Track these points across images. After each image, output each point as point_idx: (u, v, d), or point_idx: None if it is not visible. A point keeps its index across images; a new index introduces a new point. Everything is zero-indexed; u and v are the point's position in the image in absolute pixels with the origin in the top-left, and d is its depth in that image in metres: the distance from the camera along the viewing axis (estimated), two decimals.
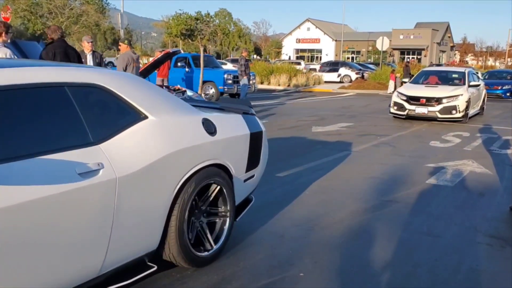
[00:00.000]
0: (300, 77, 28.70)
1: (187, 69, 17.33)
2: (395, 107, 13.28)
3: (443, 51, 72.29)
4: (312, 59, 71.79)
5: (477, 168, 7.27)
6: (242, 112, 4.23)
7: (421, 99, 12.86)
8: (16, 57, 6.24)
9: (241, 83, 15.60)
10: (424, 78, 14.83)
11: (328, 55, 71.84)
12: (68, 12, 39.42)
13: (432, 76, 14.81)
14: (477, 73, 18.74)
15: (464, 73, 14.07)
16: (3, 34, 5.89)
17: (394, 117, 13.56)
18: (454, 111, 12.50)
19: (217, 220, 3.82)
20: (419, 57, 63.82)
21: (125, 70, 8.38)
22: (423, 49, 64.89)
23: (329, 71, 35.72)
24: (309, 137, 10.06)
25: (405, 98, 13.11)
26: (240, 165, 3.95)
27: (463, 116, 12.59)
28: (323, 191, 5.85)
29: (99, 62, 9.21)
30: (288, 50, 75.91)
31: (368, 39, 67.50)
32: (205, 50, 17.93)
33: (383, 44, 28.49)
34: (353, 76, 33.53)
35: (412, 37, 65.26)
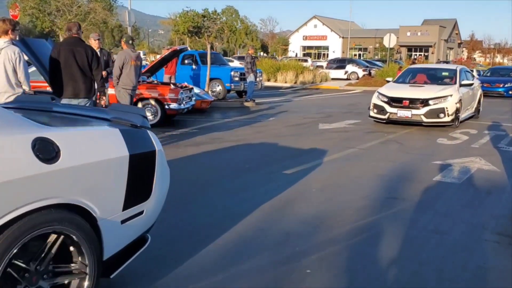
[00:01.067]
0: (307, 74, 28.62)
1: (194, 67, 17.34)
2: (375, 110, 11.34)
3: (451, 48, 71.85)
4: (319, 56, 71.60)
5: (485, 166, 7.24)
6: (129, 124, 3.15)
7: (404, 101, 10.86)
8: (25, 55, 6.27)
9: (248, 80, 15.60)
10: (411, 76, 13.08)
11: (335, 52, 71.59)
12: (76, 10, 39.55)
13: (419, 74, 13.05)
14: (472, 71, 17.82)
15: (455, 70, 12.27)
16: (10, 32, 5.82)
17: (375, 121, 11.71)
18: (442, 114, 10.63)
19: (71, 281, 2.69)
20: (426, 54, 63.48)
21: (121, 68, 8.28)
22: (431, 46, 64.53)
23: (336, 68, 35.60)
24: (316, 135, 10.05)
25: (386, 99, 11.18)
26: (111, 201, 2.81)
27: (452, 120, 10.79)
28: (329, 189, 5.85)
29: (107, 60, 9.24)
30: (295, 47, 75.74)
31: (375, 36, 67.19)
32: (212, 48, 17.93)
33: (390, 41, 28.36)
34: (360, 73, 33.41)
35: (419, 34, 64.92)
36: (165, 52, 12.44)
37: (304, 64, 33.88)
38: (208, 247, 3.95)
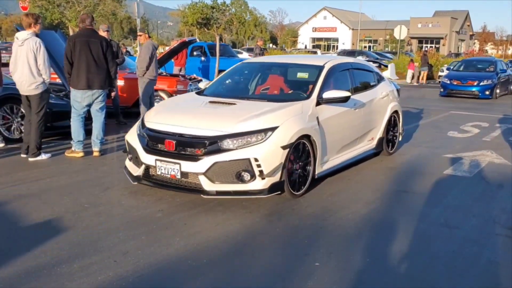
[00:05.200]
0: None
1: (203, 58, 17.31)
2: (129, 156, 5.40)
3: (462, 40, 71.10)
4: (328, 48, 71.22)
5: (496, 159, 7.15)
6: None
7: (166, 140, 4.86)
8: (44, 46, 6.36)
9: None
10: (258, 78, 6.62)
11: (345, 44, 71.13)
12: (85, 1, 39.61)
13: (272, 76, 6.55)
14: (380, 66, 13.09)
15: (320, 69, 5.93)
16: (33, 25, 6.36)
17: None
18: (246, 175, 4.64)
19: None
20: (437, 46, 62.87)
21: (150, 59, 8.46)
22: (442, 38, 63.90)
23: None
24: None
25: (145, 134, 5.11)
26: None
27: (276, 187, 4.75)
28: (339, 181, 5.81)
29: (116, 51, 9.24)
30: (304, 39, 75.35)
31: (385, 28, 66.69)
32: (221, 39, 17.88)
33: (400, 33, 28.11)
34: None
35: (430, 25, 64.28)
36: (174, 44, 12.41)
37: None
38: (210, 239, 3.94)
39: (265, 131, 4.70)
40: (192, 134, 4.75)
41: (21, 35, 6.36)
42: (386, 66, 8.67)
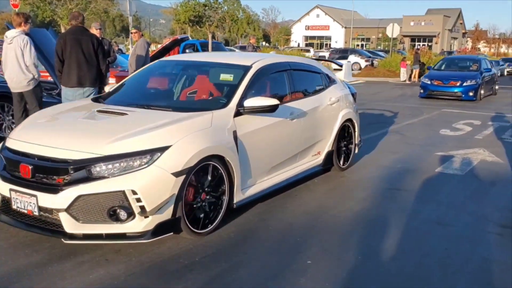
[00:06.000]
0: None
1: None
2: None
3: (455, 38, 71.43)
4: (321, 46, 71.28)
5: (488, 157, 7.18)
6: None
7: (21, 164, 3.64)
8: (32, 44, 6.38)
9: None
10: (184, 79, 5.43)
11: (338, 42, 71.27)
12: None
13: (200, 77, 5.36)
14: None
15: (246, 69, 4.77)
16: (22, 24, 6.46)
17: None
18: (121, 213, 3.49)
19: None
20: (430, 44, 63.09)
21: (146, 57, 8.55)
22: (434, 36, 64.15)
23: (339, 58, 35.23)
24: None
25: (2, 161, 3.92)
26: None
27: (160, 228, 3.61)
28: (332, 179, 5.81)
29: (108, 49, 9.19)
30: (297, 37, 75.40)
31: (378, 26, 66.84)
32: (213, 37, 17.87)
33: (393, 31, 28.17)
34: (363, 63, 33.22)
35: (423, 23, 64.52)
36: (166, 42, 12.38)
37: (307, 54, 33.83)
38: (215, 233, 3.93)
39: (151, 152, 3.54)
40: (54, 156, 3.54)
41: (10, 33, 6.44)
42: (341, 66, 7.27)
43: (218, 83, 5.00)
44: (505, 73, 33.04)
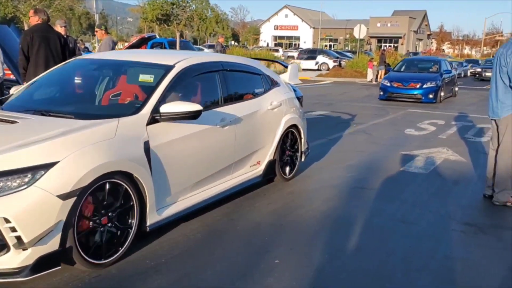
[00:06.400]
0: (279, 64, 28.59)
1: None
2: None
3: (420, 40, 72.99)
4: (290, 46, 71.72)
5: (452, 156, 7.35)
6: None
7: None
8: None
9: None
10: (107, 80, 4.72)
11: (306, 42, 71.85)
12: None
13: (124, 77, 4.74)
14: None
15: (167, 69, 4.19)
16: None
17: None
18: None
19: None
20: (396, 45, 64.29)
21: None
22: (400, 37, 65.39)
23: (307, 58, 35.72)
24: None
25: None
26: None
27: (43, 262, 2.99)
28: (299, 179, 5.84)
29: (73, 47, 8.99)
30: (266, 36, 75.64)
31: (345, 27, 67.73)
32: (181, 36, 17.73)
33: (360, 32, 28.58)
34: (331, 64, 33.61)
35: (389, 25, 65.67)
36: (133, 40, 12.21)
37: (276, 54, 33.93)
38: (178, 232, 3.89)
39: (32, 170, 2.91)
40: None
41: None
42: (286, 67, 6.73)
43: (141, 85, 4.31)
44: (468, 74, 33.95)
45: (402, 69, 17.10)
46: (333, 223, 4.42)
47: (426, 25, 75.26)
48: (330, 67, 32.78)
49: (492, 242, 4.11)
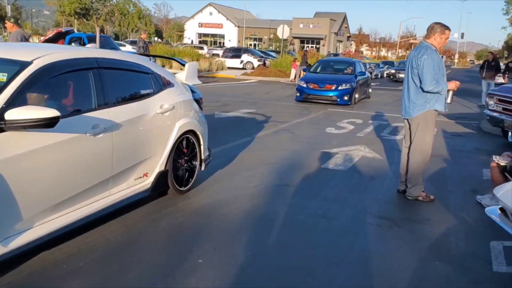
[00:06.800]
0: (203, 62, 28.52)
1: None
2: None
3: (341, 41, 75.63)
4: (215, 44, 71.59)
5: (369, 153, 7.69)
6: None
7: None
8: None
9: None
10: None
11: (231, 41, 72.06)
12: None
13: None
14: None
15: (22, 66, 3.43)
16: None
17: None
18: None
19: None
20: (318, 46, 66.20)
21: None
22: (322, 39, 67.38)
23: (232, 57, 35.84)
24: (211, 123, 9.96)
25: None
26: None
27: None
28: (223, 178, 5.84)
29: None
30: (191, 34, 74.97)
31: (269, 27, 68.68)
32: (102, 31, 17.09)
33: (283, 32, 29.10)
34: (256, 63, 33.95)
35: (311, 26, 67.44)
36: (50, 34, 11.61)
37: (200, 51, 33.71)
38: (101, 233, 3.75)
39: None
40: None
41: None
42: (183, 65, 5.81)
43: None
44: (385, 75, 35.63)
45: (318, 70, 16.99)
46: (257, 221, 4.46)
47: (346, 27, 78.11)
48: (255, 66, 33.10)
49: (405, 234, 4.35)
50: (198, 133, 5.24)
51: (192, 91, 5.58)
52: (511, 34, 51.06)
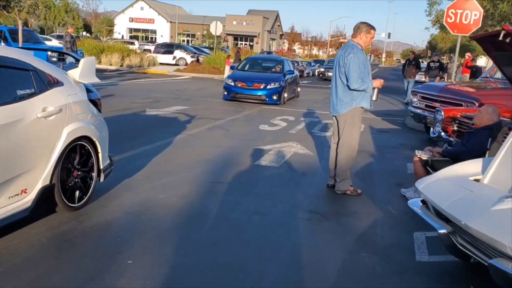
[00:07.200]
0: (134, 57, 27.85)
1: (2, 44, 15.52)
2: None
3: (274, 39, 76.48)
4: (146, 39, 70.07)
5: (300, 150, 7.84)
6: None
7: None
8: None
9: (67, 61, 14.54)
10: None
11: (164, 36, 70.82)
12: None
13: None
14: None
15: None
16: None
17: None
18: None
19: None
20: (251, 43, 66.56)
21: None
22: (255, 36, 67.82)
23: (164, 52, 35.27)
24: (142, 120, 9.81)
25: None
26: None
27: None
28: (155, 176, 5.74)
29: None
30: (121, 29, 72.88)
31: (203, 23, 68.16)
32: (26, 24, 16.24)
33: (216, 28, 29.01)
34: (189, 59, 33.61)
35: (244, 23, 67.66)
36: None
37: (131, 46, 32.87)
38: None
39: None
40: None
41: None
42: (78, 60, 5.10)
43: None
44: (316, 73, 36.43)
45: (246, 68, 16.29)
46: (189, 219, 4.42)
47: (278, 25, 79.10)
48: (188, 62, 32.77)
49: (334, 228, 4.48)
50: (95, 139, 4.50)
51: (89, 91, 4.84)
52: (434, 34, 53.96)
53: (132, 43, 39.57)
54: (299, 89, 17.93)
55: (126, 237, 3.86)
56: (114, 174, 5.51)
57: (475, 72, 17.14)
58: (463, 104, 8.70)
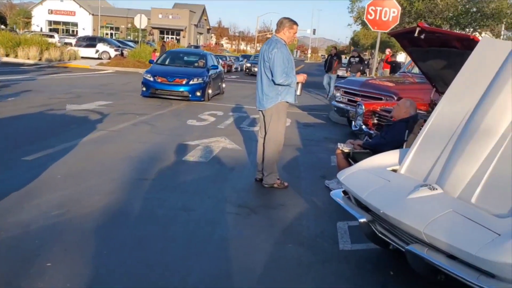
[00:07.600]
0: (54, 51, 26.54)
1: None
2: None
3: (201, 33, 75.85)
4: (67, 32, 67.01)
5: (229, 145, 7.84)
6: None
7: None
8: None
9: None
10: None
11: (86, 29, 68.03)
12: None
13: None
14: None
15: None
16: None
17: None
18: None
19: None
20: (178, 37, 65.59)
21: None
22: (182, 30, 66.91)
23: (86, 46, 33.96)
24: (63, 116, 9.36)
25: None
26: None
27: None
28: (77, 174, 5.50)
29: None
30: (40, 21, 69.13)
31: (127, 16, 66.25)
32: None
33: (141, 22, 28.34)
34: (112, 53, 32.58)
35: (170, 17, 66.53)
36: None
37: (50, 40, 31.28)
38: None
39: None
40: None
41: None
42: None
43: None
44: (244, 68, 36.58)
45: (166, 62, 15.42)
46: (112, 218, 4.28)
47: (205, 19, 78.56)
48: (112, 56, 31.75)
49: (262, 221, 4.53)
50: None
51: None
52: (356, 31, 55.95)
53: (52, 36, 37.66)
54: (224, 85, 17.12)
55: (45, 239, 3.67)
56: (32, 173, 5.25)
57: (395, 67, 18.02)
58: (383, 98, 9.10)
